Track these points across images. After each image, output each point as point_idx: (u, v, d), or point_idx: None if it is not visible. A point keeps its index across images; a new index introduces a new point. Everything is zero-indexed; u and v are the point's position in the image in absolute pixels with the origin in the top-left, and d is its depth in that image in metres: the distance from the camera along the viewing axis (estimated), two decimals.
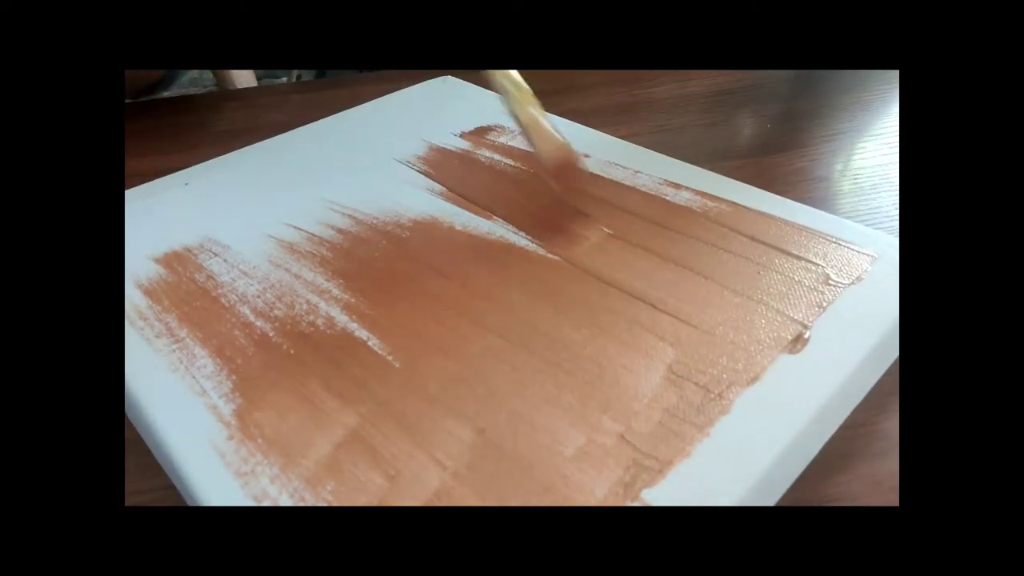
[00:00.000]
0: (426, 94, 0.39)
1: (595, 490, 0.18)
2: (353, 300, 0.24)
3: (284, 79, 0.52)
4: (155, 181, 0.31)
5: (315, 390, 0.21)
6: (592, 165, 0.31)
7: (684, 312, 0.23)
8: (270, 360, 0.22)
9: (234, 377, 0.21)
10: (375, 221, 0.28)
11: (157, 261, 0.27)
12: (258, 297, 0.25)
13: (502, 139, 0.34)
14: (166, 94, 0.47)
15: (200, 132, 0.41)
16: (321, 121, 0.36)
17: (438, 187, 0.30)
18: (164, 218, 0.29)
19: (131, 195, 0.31)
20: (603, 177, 0.30)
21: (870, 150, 0.37)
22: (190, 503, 0.19)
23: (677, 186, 0.29)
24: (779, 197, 0.28)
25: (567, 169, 0.27)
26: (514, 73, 0.27)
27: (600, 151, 0.32)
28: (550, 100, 0.42)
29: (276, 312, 0.24)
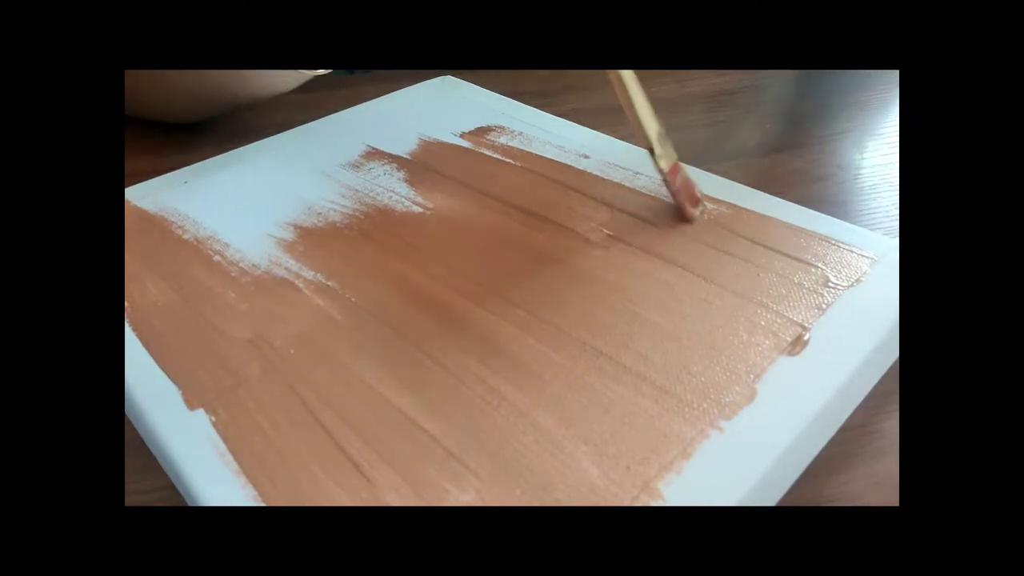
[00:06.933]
0: (426, 94, 0.39)
1: (594, 489, 0.18)
2: (354, 300, 0.24)
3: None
4: (155, 180, 0.31)
5: (315, 392, 0.21)
6: (592, 166, 0.31)
7: (684, 314, 0.23)
8: (270, 361, 0.22)
9: (234, 377, 0.21)
10: (377, 219, 0.28)
11: None
12: (258, 296, 0.25)
13: (502, 139, 0.34)
14: None
15: (200, 132, 0.41)
16: (321, 120, 0.36)
17: (438, 184, 0.30)
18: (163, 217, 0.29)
19: (131, 193, 0.31)
20: (603, 178, 0.30)
21: (870, 150, 0.37)
22: (190, 503, 0.19)
23: None
24: (778, 199, 0.28)
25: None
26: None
27: (600, 151, 0.32)
28: (550, 100, 0.43)
29: (277, 311, 0.24)
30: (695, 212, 0.28)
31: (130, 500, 0.21)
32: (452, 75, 0.41)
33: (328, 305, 0.24)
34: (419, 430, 0.19)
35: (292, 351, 0.22)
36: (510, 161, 0.32)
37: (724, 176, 0.30)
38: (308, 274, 0.26)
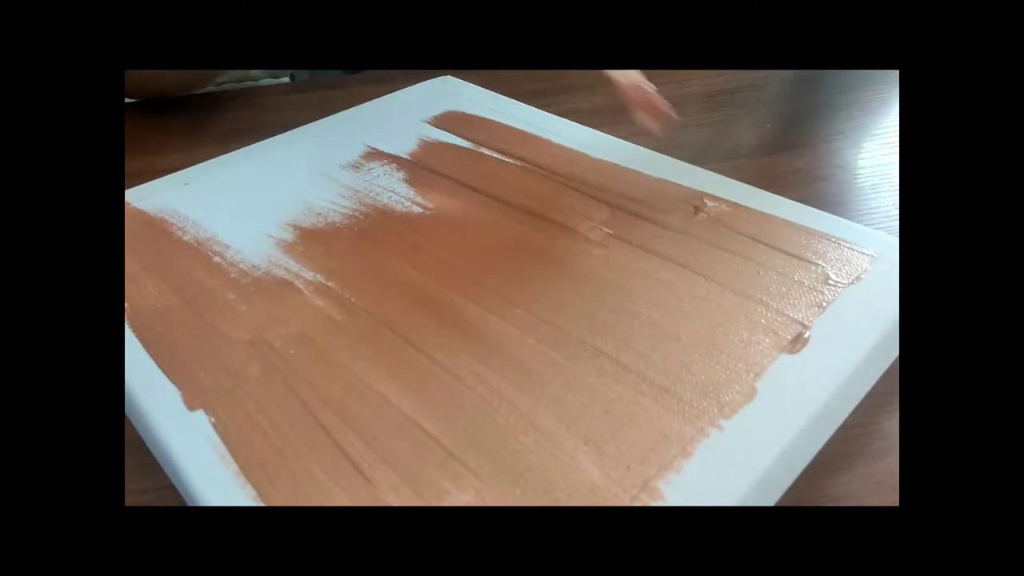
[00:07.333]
0: (426, 94, 0.39)
1: (594, 489, 0.18)
2: (354, 300, 0.24)
3: (286, 79, 0.52)
4: (155, 181, 0.31)
5: (314, 393, 0.21)
6: (592, 165, 0.31)
7: (684, 312, 0.23)
8: (270, 362, 0.22)
9: (234, 377, 0.21)
10: (376, 220, 0.28)
11: None
12: (258, 297, 0.25)
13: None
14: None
15: (200, 132, 0.41)
16: (321, 121, 0.36)
17: (438, 184, 0.30)
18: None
19: (131, 195, 0.31)
20: (603, 177, 0.30)
21: (870, 150, 0.37)
22: (190, 503, 0.19)
23: (678, 186, 0.29)
24: (779, 197, 0.28)
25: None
26: None
27: (600, 150, 0.32)
28: (550, 100, 0.43)
29: (276, 312, 0.24)
30: None
31: (130, 500, 0.21)
32: (452, 75, 0.41)
33: (328, 305, 0.24)
34: (419, 430, 0.19)
35: (292, 352, 0.22)
36: (510, 161, 0.32)
37: (724, 175, 0.30)
38: (308, 275, 0.26)
